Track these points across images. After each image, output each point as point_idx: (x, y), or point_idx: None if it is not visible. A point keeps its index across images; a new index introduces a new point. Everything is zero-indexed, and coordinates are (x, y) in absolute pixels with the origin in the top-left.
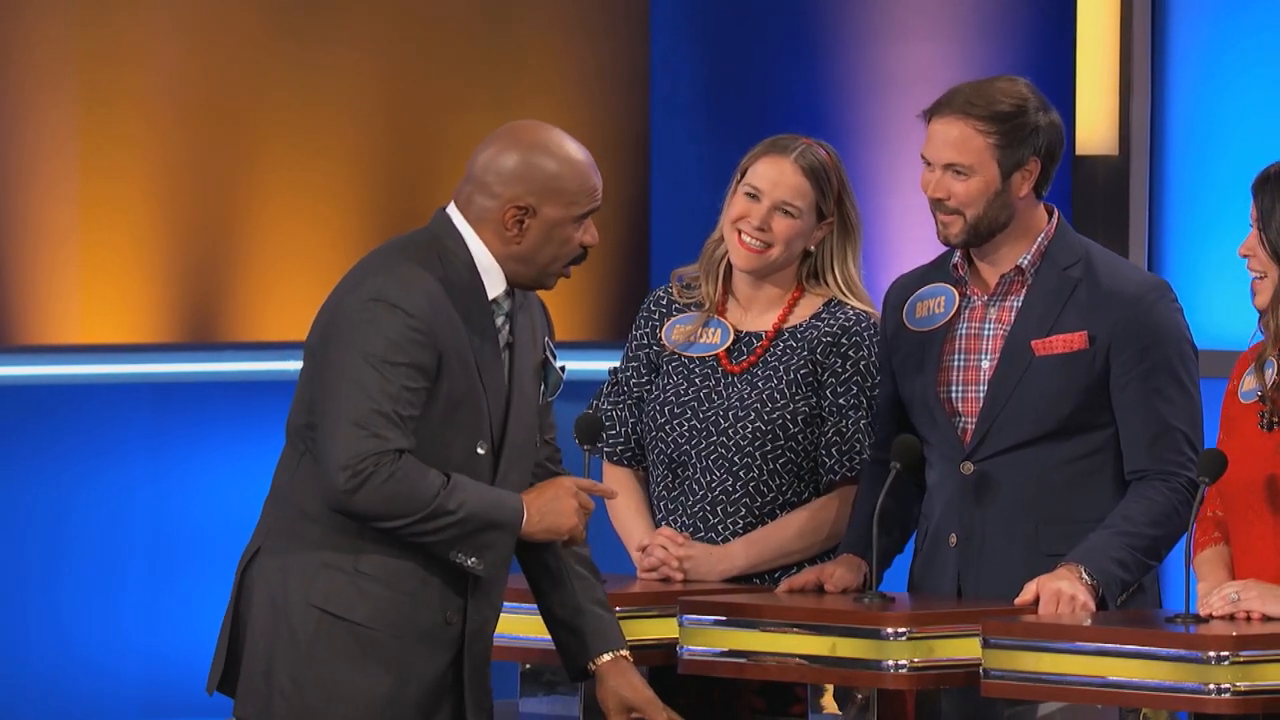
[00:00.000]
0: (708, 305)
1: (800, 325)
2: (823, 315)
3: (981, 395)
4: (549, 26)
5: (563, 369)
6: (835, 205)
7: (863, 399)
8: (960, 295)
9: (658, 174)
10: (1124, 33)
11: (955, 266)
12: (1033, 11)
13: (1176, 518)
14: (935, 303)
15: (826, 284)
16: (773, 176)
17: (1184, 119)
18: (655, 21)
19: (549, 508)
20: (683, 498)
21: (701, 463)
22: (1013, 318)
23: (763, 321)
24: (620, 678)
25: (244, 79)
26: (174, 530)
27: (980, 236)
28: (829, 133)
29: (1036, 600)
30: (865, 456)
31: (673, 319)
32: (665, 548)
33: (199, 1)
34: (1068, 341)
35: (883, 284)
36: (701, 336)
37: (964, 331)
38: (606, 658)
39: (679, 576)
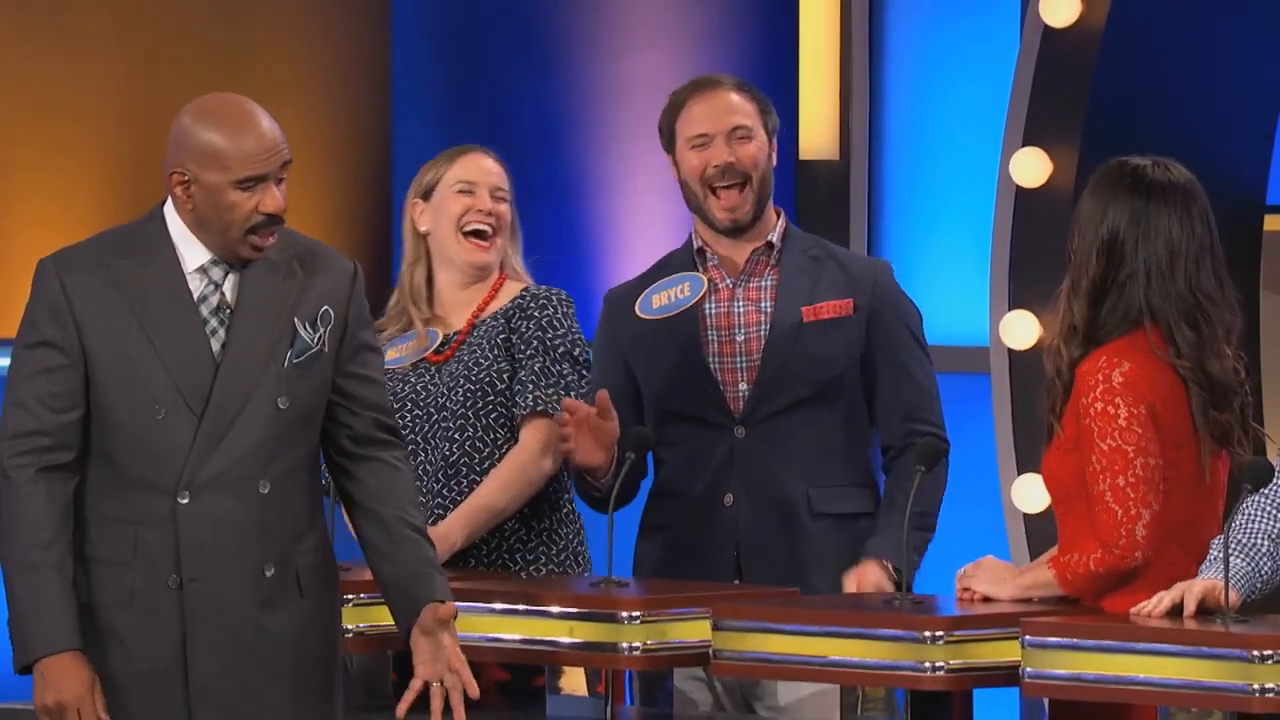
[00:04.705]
0: (418, 327)
1: (500, 310)
2: (518, 297)
3: (739, 366)
4: (287, 28)
5: (320, 338)
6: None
7: (541, 347)
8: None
9: (399, 176)
10: (844, 44)
11: (700, 252)
12: (756, 23)
13: (937, 487)
14: (678, 290)
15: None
16: (481, 168)
17: (900, 125)
18: (396, 24)
19: (61, 677)
20: (419, 482)
21: (430, 443)
22: (764, 295)
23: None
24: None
25: None
26: None
27: (758, 209)
28: (563, 136)
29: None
30: (545, 394)
31: (388, 345)
32: None
33: None
34: (835, 307)
35: (606, 288)
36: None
37: (713, 311)
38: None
39: None
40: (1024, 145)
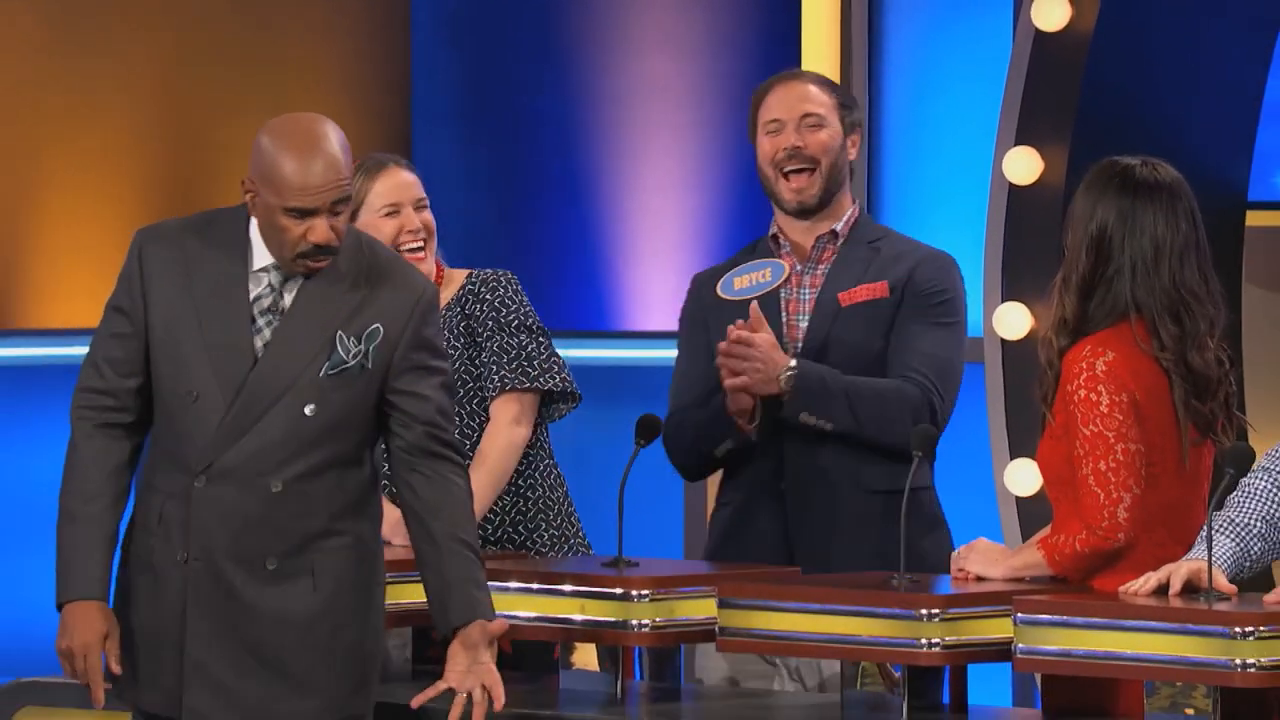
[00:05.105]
0: None
1: (452, 298)
2: (465, 285)
3: (799, 350)
4: (310, 31)
5: (359, 354)
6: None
7: (496, 326)
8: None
9: (420, 176)
10: (844, 47)
11: (774, 238)
12: (760, 28)
13: (899, 407)
14: (760, 274)
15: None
16: (401, 185)
17: (898, 125)
18: (415, 28)
19: (76, 624)
20: None
21: None
22: (823, 281)
23: None
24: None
25: (27, 87)
26: None
27: (826, 195)
28: (576, 137)
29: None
30: (511, 372)
31: None
32: None
33: None
34: (871, 290)
35: (616, 282)
36: None
37: (786, 296)
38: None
39: None
40: (1016, 144)
